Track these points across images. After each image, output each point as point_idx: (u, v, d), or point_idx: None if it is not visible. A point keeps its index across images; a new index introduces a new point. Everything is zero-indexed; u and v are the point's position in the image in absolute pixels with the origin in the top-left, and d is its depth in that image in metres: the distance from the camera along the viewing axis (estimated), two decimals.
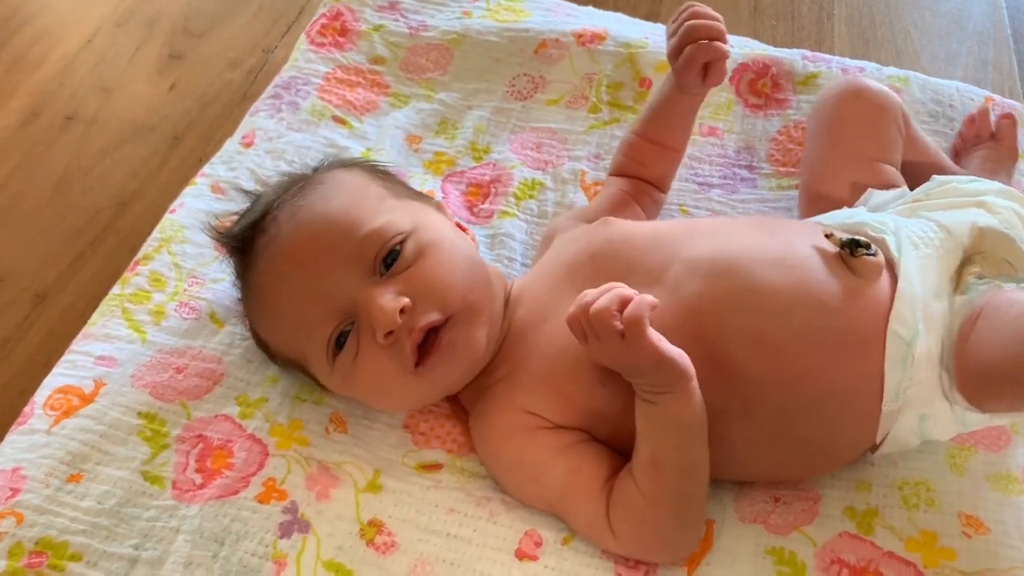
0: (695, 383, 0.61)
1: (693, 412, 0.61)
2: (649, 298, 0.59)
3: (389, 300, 0.63)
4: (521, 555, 0.65)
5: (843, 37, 1.22)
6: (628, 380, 0.63)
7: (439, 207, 0.76)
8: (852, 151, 0.80)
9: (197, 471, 0.69)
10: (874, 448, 0.68)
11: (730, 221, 0.82)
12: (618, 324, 0.59)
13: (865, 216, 0.72)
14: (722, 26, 0.75)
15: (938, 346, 0.65)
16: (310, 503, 0.67)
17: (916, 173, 0.81)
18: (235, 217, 0.76)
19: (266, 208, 0.70)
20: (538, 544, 0.66)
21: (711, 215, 0.89)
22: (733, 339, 0.64)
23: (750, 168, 0.94)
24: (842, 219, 0.73)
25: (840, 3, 1.27)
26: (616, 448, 0.67)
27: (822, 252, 0.67)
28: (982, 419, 0.66)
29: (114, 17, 1.24)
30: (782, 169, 0.93)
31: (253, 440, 0.71)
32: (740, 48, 1.02)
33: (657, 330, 0.60)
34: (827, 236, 0.68)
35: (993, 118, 0.93)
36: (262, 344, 0.73)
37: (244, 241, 0.70)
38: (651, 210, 0.84)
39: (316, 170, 0.75)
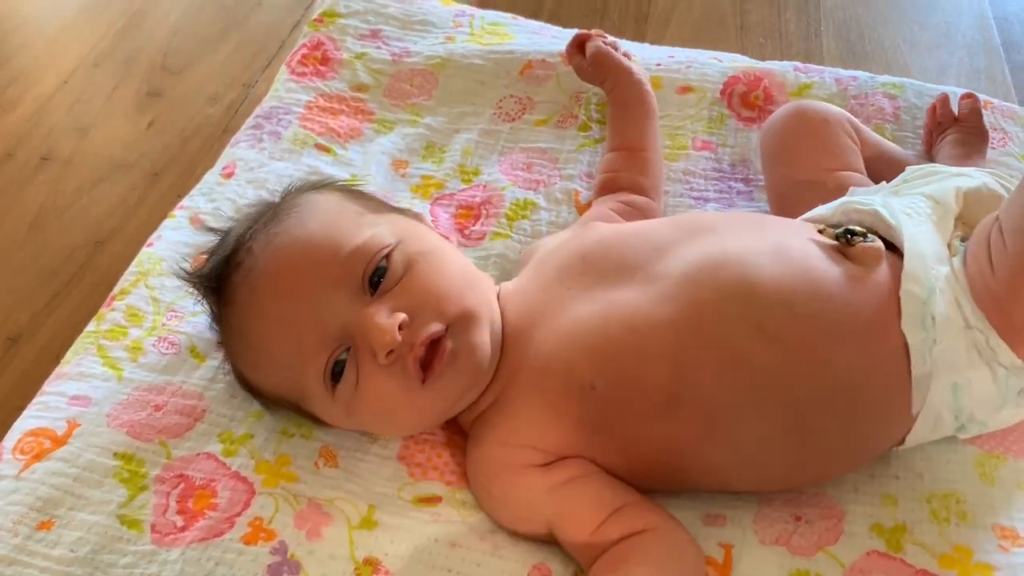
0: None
1: None
2: None
3: (385, 318, 0.60)
4: None
5: (832, 53, 1.22)
6: None
7: (419, 218, 0.73)
8: (808, 167, 0.80)
9: (178, 513, 0.64)
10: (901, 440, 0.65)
11: (721, 216, 0.81)
12: None
13: (850, 198, 0.71)
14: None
15: (956, 309, 0.63)
16: (300, 543, 0.63)
17: (878, 168, 0.82)
18: (206, 256, 0.72)
19: (238, 241, 0.66)
20: None
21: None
22: (734, 331, 0.61)
23: (746, 181, 0.92)
24: (829, 208, 0.72)
25: (828, 19, 1.26)
26: (622, 471, 0.63)
27: (819, 244, 0.65)
28: (1017, 384, 0.64)
29: (91, 57, 1.22)
30: None
31: (238, 479, 0.67)
32: (730, 63, 1.01)
33: (656, 326, 0.59)
34: (820, 231, 0.66)
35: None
36: (250, 388, 0.69)
37: (218, 279, 0.66)
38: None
39: (286, 196, 0.71)
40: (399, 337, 0.59)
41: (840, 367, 0.62)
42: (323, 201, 0.68)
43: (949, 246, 0.67)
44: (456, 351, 0.62)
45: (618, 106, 0.89)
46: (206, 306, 0.70)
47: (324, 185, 0.73)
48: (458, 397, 0.65)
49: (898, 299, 0.63)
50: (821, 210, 0.73)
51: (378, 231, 0.64)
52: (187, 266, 0.72)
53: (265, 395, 0.68)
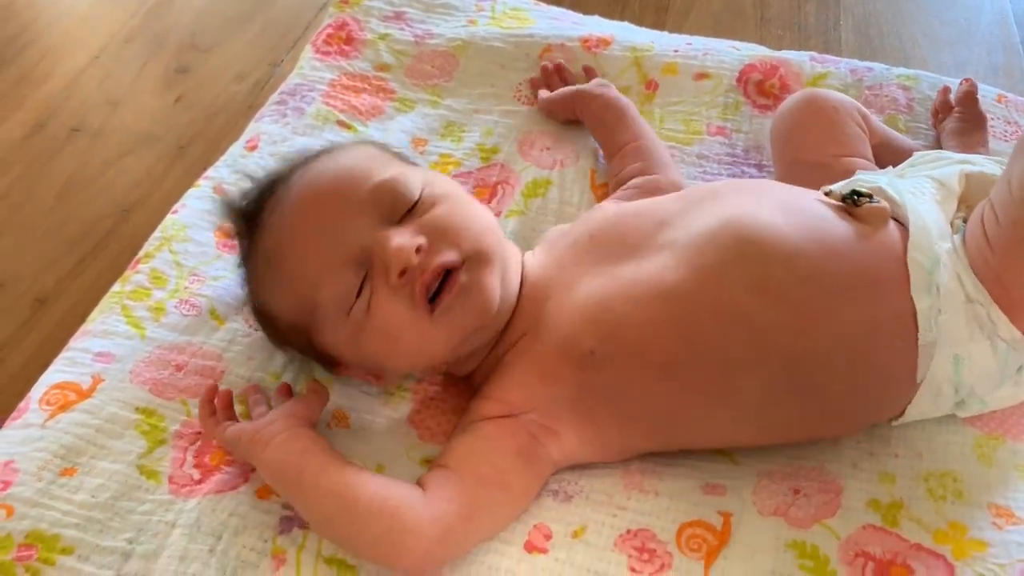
0: (260, 453, 0.63)
1: (273, 460, 0.62)
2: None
3: (405, 239, 0.62)
4: (530, 548, 0.62)
5: (850, 46, 1.22)
6: None
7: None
8: (816, 152, 0.81)
9: (195, 467, 0.67)
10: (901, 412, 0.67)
11: (727, 183, 0.83)
12: None
13: (856, 177, 0.73)
14: None
15: (957, 283, 0.64)
16: None
17: (884, 156, 0.83)
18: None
19: (277, 176, 0.70)
20: (548, 537, 0.63)
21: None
22: (736, 288, 0.63)
23: (759, 167, 0.93)
24: (835, 186, 0.73)
25: (847, 13, 1.27)
26: (616, 436, 0.65)
27: (822, 205, 0.67)
28: (1016, 360, 0.65)
29: (122, 34, 1.25)
30: None
31: None
32: (747, 51, 1.02)
33: (658, 295, 0.62)
34: (826, 194, 0.68)
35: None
36: (266, 318, 0.71)
37: (255, 203, 0.70)
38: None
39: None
40: (414, 259, 0.62)
41: (844, 325, 0.63)
42: (358, 147, 0.73)
43: (952, 225, 0.69)
44: (468, 287, 0.63)
45: (595, 123, 0.91)
46: (237, 233, 0.72)
47: (362, 141, 0.78)
48: (463, 336, 0.66)
49: (905, 265, 0.64)
50: (827, 188, 0.74)
51: (407, 171, 0.68)
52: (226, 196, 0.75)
53: (279, 326, 0.69)
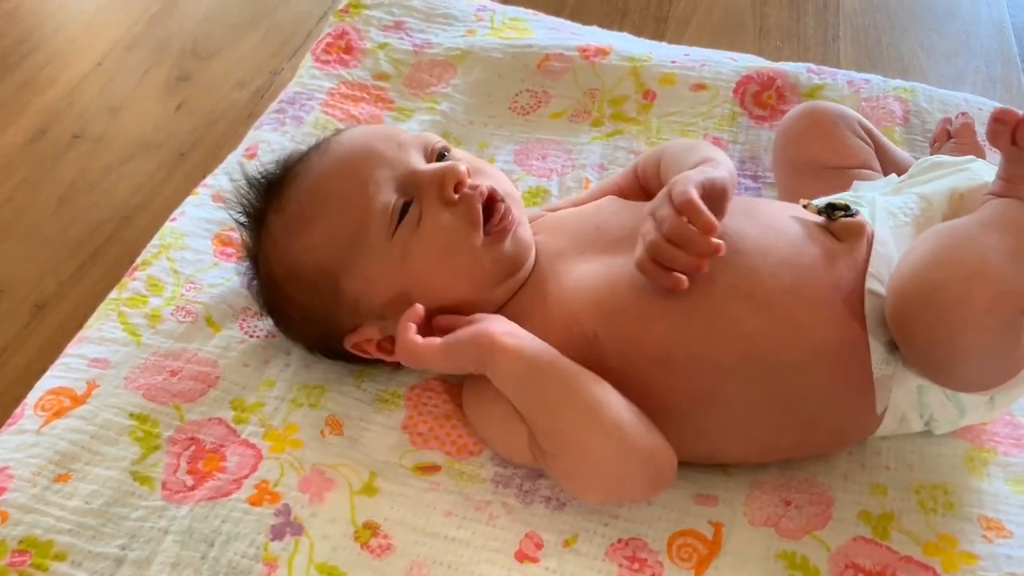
0: (500, 340, 0.62)
1: (517, 360, 0.62)
2: (414, 314, 0.66)
3: (459, 165, 0.67)
4: (521, 557, 0.63)
5: (849, 58, 1.22)
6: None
7: None
8: (815, 164, 0.82)
9: (188, 472, 0.67)
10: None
11: None
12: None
13: (843, 194, 0.74)
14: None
15: None
16: (303, 505, 0.65)
17: (887, 168, 0.83)
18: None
19: (300, 153, 0.74)
20: (539, 546, 0.63)
21: None
22: (726, 296, 0.64)
23: (755, 178, 0.93)
24: (822, 200, 0.74)
25: (846, 24, 1.27)
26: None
27: (804, 221, 0.69)
28: (977, 400, 0.65)
29: (124, 41, 1.26)
30: None
31: (246, 445, 0.69)
32: (744, 62, 1.02)
33: (651, 288, 0.64)
34: (804, 206, 0.70)
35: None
36: (283, 285, 0.70)
37: (284, 170, 0.72)
38: None
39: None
40: (467, 177, 0.66)
41: (817, 336, 0.64)
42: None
43: None
44: (516, 219, 0.68)
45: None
46: (256, 203, 0.73)
47: None
48: (503, 273, 0.68)
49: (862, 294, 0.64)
50: (804, 201, 0.74)
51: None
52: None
53: (300, 287, 0.69)
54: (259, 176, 0.73)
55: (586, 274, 0.68)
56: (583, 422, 0.60)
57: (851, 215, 0.67)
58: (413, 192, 0.67)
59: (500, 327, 0.64)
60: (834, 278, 0.65)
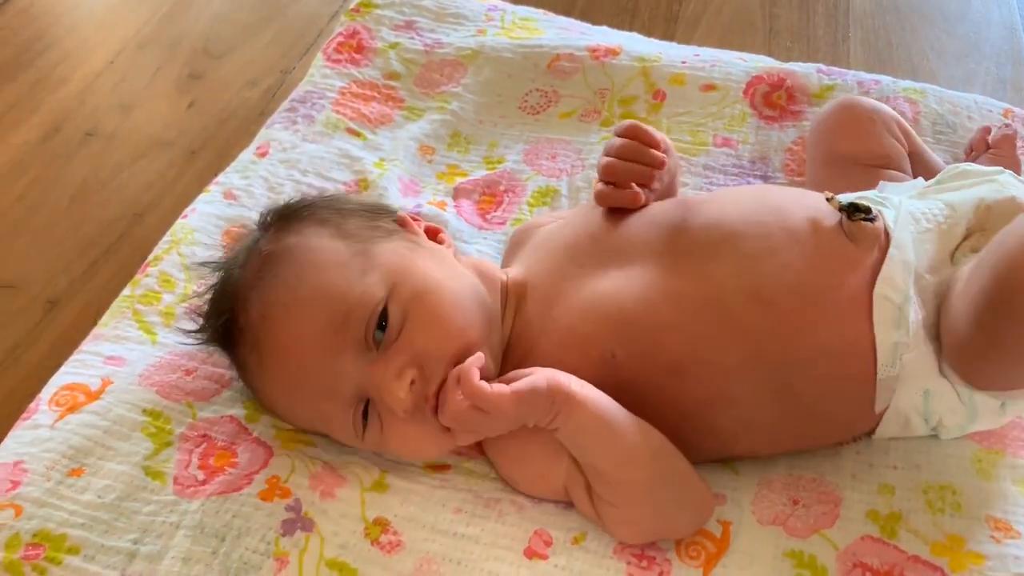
0: (575, 390, 0.60)
1: (591, 414, 0.60)
2: (477, 360, 0.61)
3: (395, 379, 0.60)
4: (530, 554, 0.63)
5: (859, 58, 1.22)
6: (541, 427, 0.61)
7: (402, 224, 0.71)
8: (845, 157, 0.82)
9: (200, 468, 0.67)
10: (872, 430, 0.68)
11: (729, 191, 0.84)
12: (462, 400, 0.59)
13: (869, 193, 0.73)
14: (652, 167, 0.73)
15: (932, 319, 0.65)
16: (314, 502, 0.66)
17: (917, 171, 0.83)
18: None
19: (233, 302, 0.66)
20: (548, 543, 0.64)
21: None
22: (732, 297, 0.65)
23: (765, 178, 0.93)
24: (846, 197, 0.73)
25: (856, 25, 1.27)
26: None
27: (818, 221, 0.68)
28: (991, 404, 0.65)
29: (136, 39, 1.26)
30: (798, 179, 0.92)
31: (258, 442, 0.70)
32: (754, 63, 1.02)
33: (666, 298, 0.63)
34: (828, 199, 0.68)
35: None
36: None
37: (224, 341, 0.68)
38: None
39: (271, 233, 0.68)
40: (411, 395, 0.60)
41: (821, 335, 0.64)
42: (307, 252, 0.65)
43: (952, 257, 0.68)
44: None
45: None
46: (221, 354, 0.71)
47: (305, 216, 0.69)
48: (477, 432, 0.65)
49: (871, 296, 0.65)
50: (828, 194, 0.74)
51: (368, 283, 0.63)
52: (192, 322, 0.73)
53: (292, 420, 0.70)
54: (210, 333, 0.69)
55: (593, 293, 0.67)
56: (650, 479, 0.62)
57: (870, 219, 0.66)
58: (366, 397, 0.63)
59: (565, 378, 0.61)
60: (841, 279, 0.65)
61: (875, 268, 0.65)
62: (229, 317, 0.66)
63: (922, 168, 0.84)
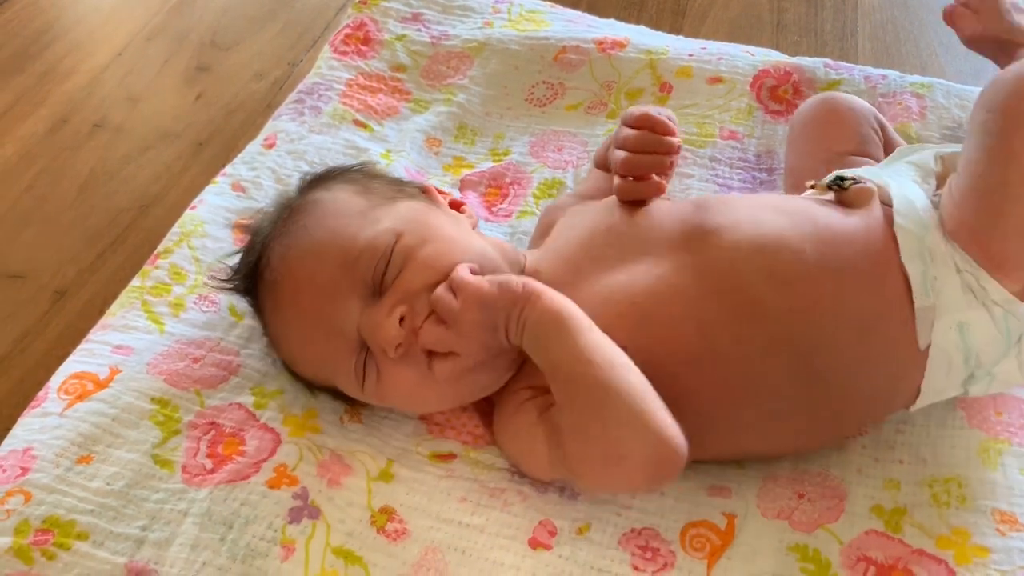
0: (542, 293, 0.61)
1: (554, 304, 0.61)
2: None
3: (384, 316, 0.63)
4: (535, 544, 0.63)
5: (867, 53, 1.22)
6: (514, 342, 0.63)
7: (426, 192, 0.74)
8: (824, 148, 0.83)
9: (208, 456, 0.68)
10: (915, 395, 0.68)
11: (735, 196, 0.87)
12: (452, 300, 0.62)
13: (838, 171, 0.75)
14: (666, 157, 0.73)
15: (941, 240, 0.66)
16: (321, 490, 0.66)
17: None
18: (256, 217, 0.76)
19: (260, 250, 0.70)
20: (552, 533, 0.64)
21: None
22: (749, 282, 0.65)
23: (769, 171, 0.93)
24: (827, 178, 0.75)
25: (864, 19, 1.27)
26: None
27: (815, 200, 0.71)
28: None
29: (144, 32, 1.27)
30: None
31: (266, 429, 0.70)
32: (762, 56, 1.02)
33: (679, 291, 0.64)
34: (811, 186, 0.72)
35: None
36: (293, 373, 0.72)
37: (248, 286, 0.71)
38: None
39: (300, 190, 0.73)
40: (401, 331, 0.62)
41: (847, 306, 0.65)
42: (329, 203, 0.69)
43: (932, 203, 0.70)
44: (463, 352, 0.63)
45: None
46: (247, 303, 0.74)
47: (332, 177, 0.74)
48: (474, 378, 0.66)
49: (894, 235, 0.67)
50: (811, 182, 0.76)
51: (380, 229, 0.65)
52: (220, 272, 0.76)
53: (308, 382, 0.72)
54: (235, 282, 0.73)
55: (605, 287, 0.67)
56: (606, 383, 0.58)
57: (858, 182, 0.69)
58: (366, 346, 0.65)
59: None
60: (858, 243, 0.66)
61: (881, 220, 0.68)
62: (254, 262, 0.70)
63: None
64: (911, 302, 0.65)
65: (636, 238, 0.70)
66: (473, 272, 0.64)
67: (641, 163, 0.72)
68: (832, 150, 0.83)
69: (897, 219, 0.67)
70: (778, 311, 0.64)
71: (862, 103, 0.87)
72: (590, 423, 0.59)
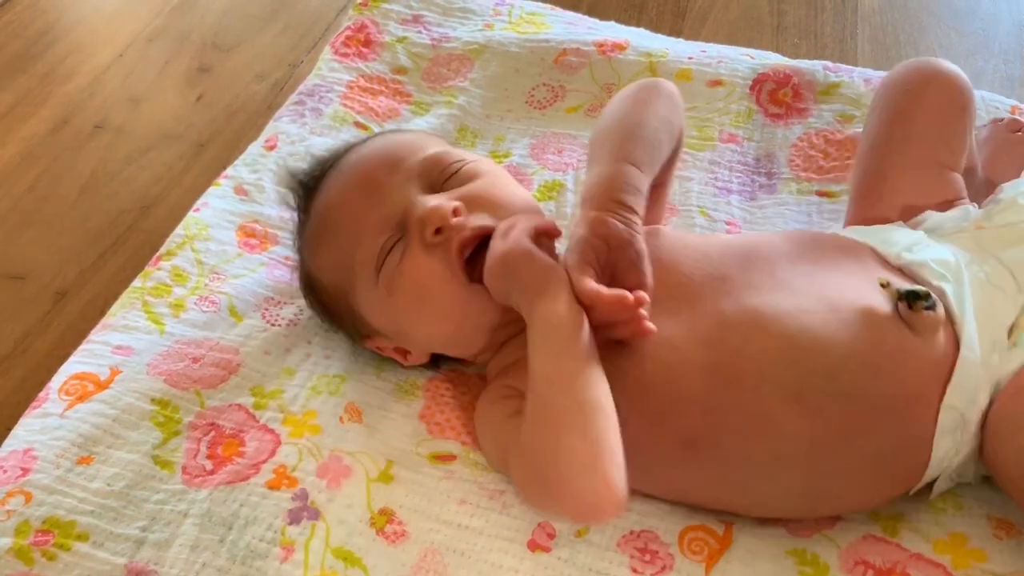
0: (567, 291, 0.59)
1: (562, 313, 0.58)
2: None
3: (441, 200, 0.65)
4: (533, 546, 0.63)
5: (866, 56, 1.22)
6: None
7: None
8: (921, 153, 0.73)
9: (208, 457, 0.68)
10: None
11: (776, 243, 0.70)
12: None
13: (925, 254, 0.66)
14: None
15: (986, 399, 0.62)
16: (321, 491, 0.66)
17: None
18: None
19: (336, 153, 0.75)
20: (551, 535, 0.64)
21: (732, 221, 0.88)
22: (771, 393, 0.60)
23: (769, 175, 0.93)
24: (900, 250, 0.68)
25: (864, 22, 1.27)
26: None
27: (873, 311, 0.62)
28: None
29: (146, 33, 1.27)
30: (803, 175, 0.92)
31: (266, 430, 0.70)
32: (761, 59, 1.02)
33: (692, 370, 0.61)
34: (883, 286, 0.63)
35: None
36: (311, 284, 0.74)
37: (314, 176, 0.74)
38: (652, 212, 0.71)
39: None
40: (451, 218, 0.64)
41: (875, 441, 0.60)
42: (414, 131, 0.82)
43: (1012, 328, 0.64)
44: None
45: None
46: (296, 204, 0.76)
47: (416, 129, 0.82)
48: (497, 311, 0.64)
49: (940, 396, 0.61)
50: (891, 246, 0.68)
51: (457, 150, 0.72)
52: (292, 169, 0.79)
53: (322, 289, 0.72)
54: (300, 177, 0.76)
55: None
56: (569, 413, 0.57)
57: (931, 306, 0.61)
58: (405, 229, 0.66)
59: (571, 290, 0.60)
60: (902, 380, 0.60)
61: (938, 362, 0.61)
62: (330, 157, 0.75)
63: (970, 174, 0.78)
64: (931, 444, 0.61)
65: (670, 290, 0.64)
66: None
67: (613, 331, 0.61)
68: (941, 160, 0.73)
69: (950, 396, 0.60)
70: (796, 434, 0.59)
71: (972, 98, 0.75)
72: (546, 446, 0.57)
